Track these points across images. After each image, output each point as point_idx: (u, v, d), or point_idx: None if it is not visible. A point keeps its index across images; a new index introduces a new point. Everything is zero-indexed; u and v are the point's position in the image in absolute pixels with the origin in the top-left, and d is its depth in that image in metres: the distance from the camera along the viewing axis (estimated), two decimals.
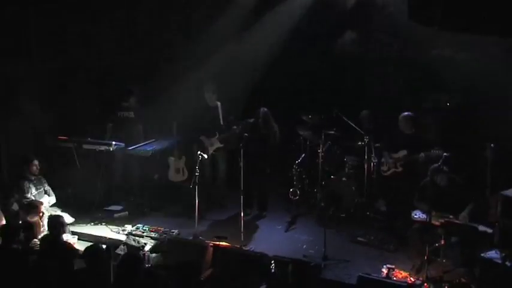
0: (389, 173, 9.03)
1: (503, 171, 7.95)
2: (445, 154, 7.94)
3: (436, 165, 7.87)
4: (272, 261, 7.15)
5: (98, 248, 6.62)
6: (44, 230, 7.94)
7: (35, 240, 7.56)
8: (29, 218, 7.97)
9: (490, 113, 9.05)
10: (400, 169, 8.88)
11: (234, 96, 10.01)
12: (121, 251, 7.93)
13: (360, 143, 9.44)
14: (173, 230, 8.75)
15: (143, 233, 8.68)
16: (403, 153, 8.82)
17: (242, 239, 8.43)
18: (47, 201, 8.69)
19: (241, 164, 8.59)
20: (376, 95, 10.05)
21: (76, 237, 8.20)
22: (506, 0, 5.71)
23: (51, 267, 6.02)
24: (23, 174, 8.70)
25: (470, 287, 7.13)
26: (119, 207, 9.55)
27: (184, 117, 9.71)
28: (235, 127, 9.28)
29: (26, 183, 8.61)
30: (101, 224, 8.99)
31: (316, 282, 7.23)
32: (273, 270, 6.76)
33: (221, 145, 9.57)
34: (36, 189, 8.70)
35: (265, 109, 9.21)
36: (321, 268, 7.68)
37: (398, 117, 8.91)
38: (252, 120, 9.23)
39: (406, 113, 8.81)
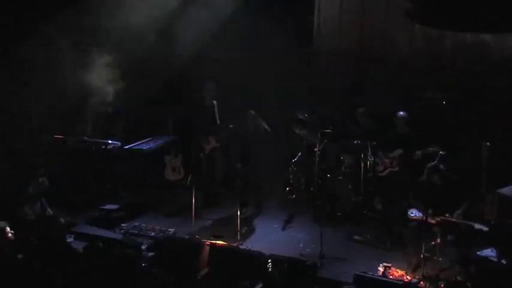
0: (385, 172, 9.04)
1: (498, 170, 7.97)
2: (441, 152, 7.97)
3: (432, 163, 7.90)
4: (269, 260, 7.16)
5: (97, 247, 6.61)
6: None
7: None
8: None
9: (486, 111, 9.11)
10: (396, 168, 8.90)
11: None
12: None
13: (356, 142, 9.45)
14: (170, 229, 8.75)
15: (140, 232, 8.68)
16: (398, 152, 8.84)
17: (239, 237, 8.44)
18: None
19: (236, 164, 8.65)
20: (374, 93, 10.08)
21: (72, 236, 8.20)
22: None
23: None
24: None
25: (466, 285, 7.14)
26: (115, 207, 9.52)
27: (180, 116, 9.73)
28: (231, 126, 9.29)
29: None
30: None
31: (312, 281, 7.23)
32: (270, 269, 6.77)
33: (218, 144, 9.57)
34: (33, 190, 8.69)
35: (252, 112, 9.18)
36: (318, 267, 7.69)
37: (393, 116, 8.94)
38: (238, 123, 9.24)
39: (401, 113, 8.84)
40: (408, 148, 8.65)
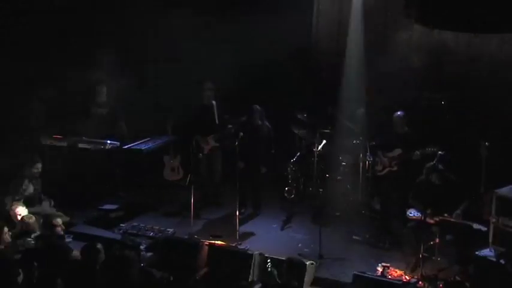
0: (384, 172, 9.05)
1: (497, 169, 7.97)
2: (439, 152, 7.97)
3: (431, 163, 7.91)
4: (268, 260, 7.16)
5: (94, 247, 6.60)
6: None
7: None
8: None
9: (484, 111, 9.12)
10: (395, 168, 8.91)
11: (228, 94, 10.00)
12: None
13: (354, 142, 9.46)
14: (169, 229, 8.75)
15: (138, 232, 8.68)
16: (397, 152, 8.85)
17: (237, 237, 8.44)
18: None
19: (238, 163, 8.65)
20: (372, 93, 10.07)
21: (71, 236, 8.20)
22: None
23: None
24: (24, 173, 8.65)
25: (465, 285, 7.16)
26: (113, 207, 9.52)
27: (179, 116, 9.73)
28: (230, 126, 9.29)
29: (26, 182, 8.59)
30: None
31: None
32: (269, 269, 6.77)
33: (217, 144, 9.57)
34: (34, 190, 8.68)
35: (258, 107, 9.22)
36: (316, 266, 7.69)
37: (391, 116, 8.95)
38: (244, 118, 9.24)
39: (398, 113, 8.84)
40: (407, 148, 8.66)
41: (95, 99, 9.91)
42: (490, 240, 7.20)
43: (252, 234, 8.81)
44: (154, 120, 10.45)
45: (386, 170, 9.00)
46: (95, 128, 9.66)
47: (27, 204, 8.39)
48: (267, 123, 9.30)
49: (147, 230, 8.72)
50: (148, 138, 10.11)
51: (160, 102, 10.77)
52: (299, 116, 9.83)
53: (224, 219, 9.27)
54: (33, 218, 7.94)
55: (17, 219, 7.93)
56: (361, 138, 9.34)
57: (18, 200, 8.39)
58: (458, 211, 7.65)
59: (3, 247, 7.15)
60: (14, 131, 9.66)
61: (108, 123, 9.78)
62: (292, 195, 9.71)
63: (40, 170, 8.74)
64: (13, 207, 8.22)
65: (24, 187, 8.58)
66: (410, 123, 8.85)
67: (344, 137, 9.68)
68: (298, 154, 9.99)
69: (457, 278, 7.26)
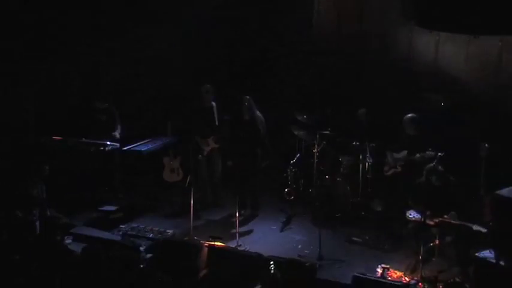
0: (390, 172, 9.06)
1: (497, 171, 7.97)
2: (439, 154, 7.98)
3: (431, 165, 7.91)
4: (271, 262, 7.16)
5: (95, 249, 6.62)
6: None
7: None
8: None
9: (484, 113, 9.13)
10: (399, 169, 8.92)
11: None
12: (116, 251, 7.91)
13: (354, 143, 9.46)
14: (168, 230, 8.75)
15: (138, 233, 8.67)
16: (403, 153, 8.86)
17: (237, 239, 8.44)
18: None
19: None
20: (373, 94, 10.07)
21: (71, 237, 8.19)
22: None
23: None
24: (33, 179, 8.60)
25: (464, 287, 7.16)
26: (113, 208, 9.52)
27: (179, 118, 9.74)
28: (226, 117, 9.30)
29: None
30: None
31: (311, 282, 7.23)
32: (272, 271, 6.77)
33: (216, 145, 9.57)
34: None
35: (247, 97, 9.19)
36: (316, 268, 7.68)
37: (396, 117, 8.95)
38: (227, 116, 9.21)
39: (410, 115, 8.84)
40: (414, 150, 8.67)
41: (95, 104, 9.90)
42: (490, 241, 7.20)
43: (251, 235, 8.81)
44: (154, 121, 10.46)
45: (392, 171, 9.02)
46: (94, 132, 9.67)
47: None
48: (259, 114, 9.22)
49: (146, 232, 8.72)
50: (148, 140, 10.11)
51: (160, 102, 10.75)
52: (299, 117, 9.83)
53: (224, 220, 9.28)
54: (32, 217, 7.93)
55: None
56: (361, 139, 9.33)
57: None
58: (453, 212, 7.64)
59: None
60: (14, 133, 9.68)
61: (106, 128, 9.78)
62: (292, 197, 9.71)
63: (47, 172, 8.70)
64: None
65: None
66: (422, 126, 8.84)
67: (344, 138, 9.68)
68: (297, 155, 10.00)
69: (457, 279, 7.27)
